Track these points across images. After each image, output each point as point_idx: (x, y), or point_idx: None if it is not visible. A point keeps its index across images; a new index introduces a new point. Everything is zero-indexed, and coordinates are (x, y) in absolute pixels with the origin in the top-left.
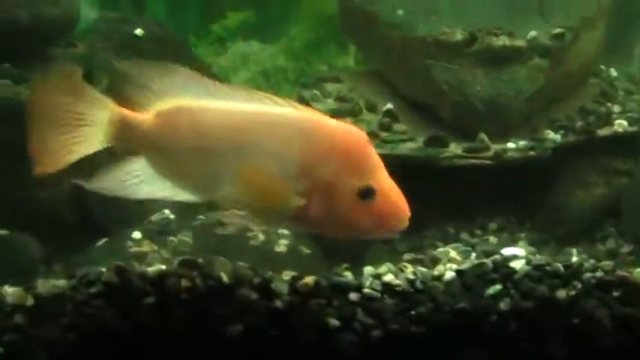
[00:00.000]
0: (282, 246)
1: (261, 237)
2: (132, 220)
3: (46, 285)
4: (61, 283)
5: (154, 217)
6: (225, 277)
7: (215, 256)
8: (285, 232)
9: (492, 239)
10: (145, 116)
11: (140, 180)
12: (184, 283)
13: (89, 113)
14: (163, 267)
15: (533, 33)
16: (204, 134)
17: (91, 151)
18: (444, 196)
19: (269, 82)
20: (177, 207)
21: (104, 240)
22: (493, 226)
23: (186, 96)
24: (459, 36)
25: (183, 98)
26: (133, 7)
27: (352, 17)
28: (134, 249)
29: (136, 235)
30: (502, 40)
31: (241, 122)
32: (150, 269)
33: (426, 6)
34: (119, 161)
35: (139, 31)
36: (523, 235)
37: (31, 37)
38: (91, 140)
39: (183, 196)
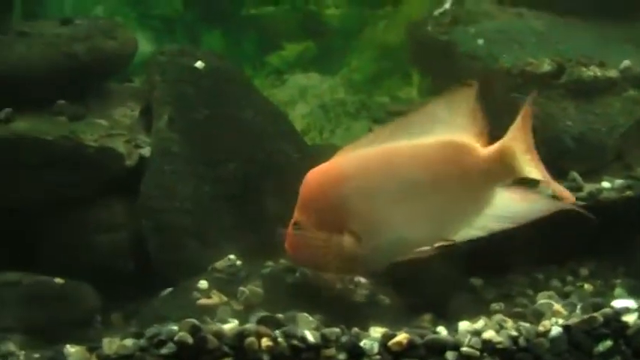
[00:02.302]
0: (360, 295)
1: (338, 285)
2: (194, 267)
3: (112, 345)
4: (129, 342)
5: (219, 264)
6: (309, 336)
7: (297, 312)
8: (362, 280)
9: (587, 286)
10: None
11: None
12: (265, 342)
13: None
14: (240, 324)
15: (626, 62)
16: None
17: None
18: (530, 239)
19: (328, 116)
20: (243, 252)
21: (168, 290)
22: (584, 271)
23: None
24: (546, 67)
25: None
26: (188, 39)
27: (424, 47)
28: (202, 301)
29: (202, 284)
30: (593, 71)
31: None
32: (226, 327)
33: (509, 35)
34: None
35: (199, 64)
36: (618, 281)
37: (88, 71)
38: None
39: None
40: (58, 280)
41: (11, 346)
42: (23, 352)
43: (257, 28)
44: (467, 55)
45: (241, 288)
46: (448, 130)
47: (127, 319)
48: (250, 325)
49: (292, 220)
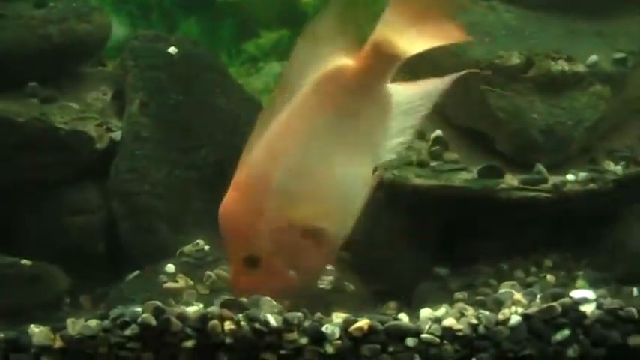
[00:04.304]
0: (325, 282)
1: None
2: (164, 251)
3: (76, 325)
4: (93, 323)
5: (187, 249)
6: (272, 320)
7: (260, 296)
8: (328, 267)
9: (549, 277)
10: None
11: None
12: (228, 325)
13: None
14: (204, 307)
15: (593, 57)
16: None
17: None
18: (496, 230)
19: None
20: (212, 238)
21: (135, 273)
22: (548, 262)
23: None
24: (515, 60)
25: None
26: (165, 25)
27: None
28: (168, 284)
29: (170, 268)
30: (561, 65)
31: None
32: (189, 309)
33: (481, 27)
34: None
35: (172, 50)
36: (580, 273)
37: (61, 54)
38: None
39: None
40: (26, 262)
41: None
42: None
43: (234, 15)
44: (440, 47)
45: (208, 272)
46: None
47: (95, 301)
48: (213, 308)
49: (237, 267)
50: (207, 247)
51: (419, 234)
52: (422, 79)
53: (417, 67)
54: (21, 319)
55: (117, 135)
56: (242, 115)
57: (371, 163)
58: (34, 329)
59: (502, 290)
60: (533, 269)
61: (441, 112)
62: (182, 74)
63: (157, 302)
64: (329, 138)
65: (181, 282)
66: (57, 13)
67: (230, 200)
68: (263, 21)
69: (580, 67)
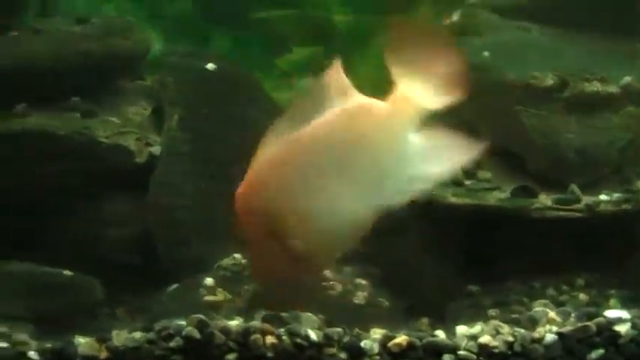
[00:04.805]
0: (360, 297)
1: (339, 287)
2: (200, 264)
3: (120, 337)
4: (138, 335)
5: (224, 262)
6: (313, 335)
7: (300, 311)
8: (363, 282)
9: (582, 296)
10: None
11: None
12: (270, 339)
13: None
14: (245, 321)
15: (627, 79)
16: None
17: None
18: (528, 249)
19: None
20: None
21: (174, 286)
22: (580, 282)
23: None
24: (549, 81)
25: None
26: (198, 40)
27: None
28: (208, 297)
29: (209, 281)
30: (594, 86)
31: None
32: (232, 323)
33: (514, 48)
34: None
35: (210, 66)
36: (613, 292)
37: (102, 70)
38: None
39: None
40: (67, 273)
41: (23, 336)
42: (35, 342)
43: (266, 31)
44: (473, 67)
45: (246, 286)
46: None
47: (131, 312)
48: (255, 323)
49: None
50: (244, 261)
51: (451, 251)
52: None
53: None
54: (60, 327)
55: (156, 149)
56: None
57: (374, 201)
58: (80, 340)
59: (536, 309)
60: (565, 288)
61: (473, 130)
62: (219, 90)
63: (201, 316)
64: (339, 163)
65: (220, 295)
66: (98, 30)
67: (245, 185)
68: (294, 37)
69: (613, 88)
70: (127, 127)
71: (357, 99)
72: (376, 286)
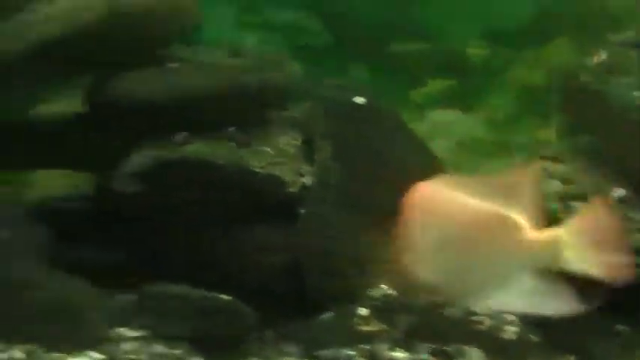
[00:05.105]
0: (510, 332)
1: (488, 322)
2: (349, 294)
3: None
4: None
5: (374, 293)
6: None
7: (464, 345)
8: (512, 317)
9: None
10: None
11: None
12: None
13: None
14: (410, 353)
15: None
16: None
17: None
18: None
19: (465, 153)
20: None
21: (329, 314)
22: None
23: None
24: None
25: None
26: (336, 71)
27: (575, 95)
28: (363, 327)
29: (363, 311)
30: None
31: None
32: (398, 355)
33: None
34: None
35: (360, 100)
36: None
37: (256, 101)
38: None
39: None
40: (224, 297)
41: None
42: None
43: (402, 63)
44: (621, 107)
45: (400, 317)
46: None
47: (280, 337)
48: (425, 356)
49: None
50: (391, 292)
51: (600, 291)
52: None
53: (598, 119)
54: (213, 348)
55: (307, 180)
56: (418, 163)
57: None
58: None
59: None
60: None
61: (619, 166)
62: (367, 122)
63: (369, 346)
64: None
65: (375, 326)
66: (253, 62)
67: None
68: (429, 70)
69: None
70: (280, 158)
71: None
72: (525, 322)
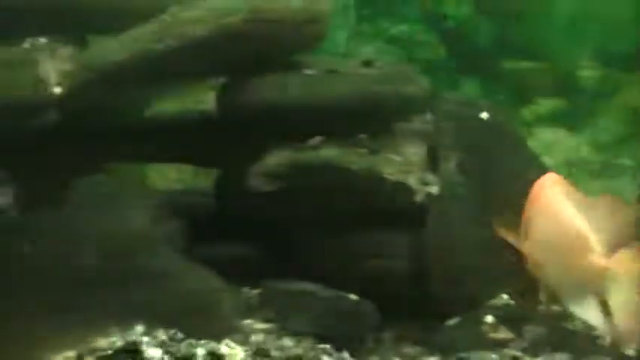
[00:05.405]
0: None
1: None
2: (470, 302)
3: None
4: None
5: (496, 302)
6: None
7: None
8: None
9: None
10: None
11: None
12: None
13: None
14: None
15: None
16: None
17: None
18: None
19: (571, 172)
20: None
21: (456, 320)
22: None
23: None
24: None
25: None
26: (448, 84)
27: None
28: (491, 335)
29: (489, 318)
30: None
31: None
32: None
33: None
34: None
35: (485, 115)
36: None
37: (390, 111)
38: None
39: None
40: (352, 297)
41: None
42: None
43: (513, 80)
44: None
45: (526, 326)
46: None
47: (398, 340)
48: None
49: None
50: (512, 301)
51: None
52: None
53: None
54: (339, 346)
55: (433, 189)
56: (535, 177)
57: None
58: None
59: None
60: None
61: None
62: (491, 137)
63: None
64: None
65: (503, 333)
66: (387, 74)
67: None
68: (539, 89)
69: None
70: (408, 166)
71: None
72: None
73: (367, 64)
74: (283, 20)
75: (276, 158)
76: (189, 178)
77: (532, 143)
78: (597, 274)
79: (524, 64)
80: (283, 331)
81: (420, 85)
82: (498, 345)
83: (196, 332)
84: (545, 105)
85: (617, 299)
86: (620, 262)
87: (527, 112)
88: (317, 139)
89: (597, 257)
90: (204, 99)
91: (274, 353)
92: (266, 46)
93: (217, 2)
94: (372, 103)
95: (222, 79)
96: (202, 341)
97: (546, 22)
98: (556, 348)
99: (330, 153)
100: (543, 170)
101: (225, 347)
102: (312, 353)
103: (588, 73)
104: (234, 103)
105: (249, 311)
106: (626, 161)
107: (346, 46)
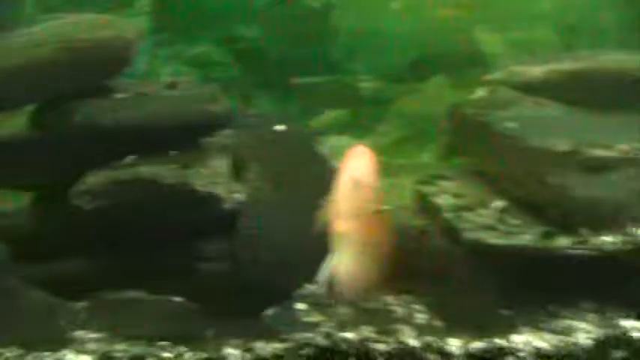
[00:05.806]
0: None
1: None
2: (280, 292)
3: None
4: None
5: (304, 292)
6: None
7: None
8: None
9: None
10: None
11: None
12: None
13: None
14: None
15: (624, 146)
16: None
17: None
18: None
19: None
20: None
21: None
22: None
23: None
24: (564, 147)
25: None
26: (242, 101)
27: (462, 126)
28: (305, 318)
29: (301, 306)
30: (600, 151)
31: None
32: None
33: (534, 119)
34: None
35: (280, 127)
36: None
37: (196, 129)
38: None
39: None
40: (178, 299)
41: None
42: None
43: (302, 94)
44: (501, 135)
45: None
46: None
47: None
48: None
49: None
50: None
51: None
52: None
53: (482, 146)
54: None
55: (240, 196)
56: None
57: None
58: None
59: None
60: None
61: (497, 184)
62: (285, 146)
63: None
64: None
65: (314, 317)
66: (193, 94)
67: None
68: (325, 101)
69: (615, 153)
70: (217, 177)
71: None
72: None
73: (172, 86)
74: (92, 48)
75: (95, 177)
76: (7, 199)
77: (322, 149)
78: (336, 238)
79: (311, 79)
80: (117, 337)
81: (222, 103)
82: (313, 326)
83: (36, 346)
84: (331, 115)
85: (340, 259)
86: (349, 227)
87: (316, 122)
88: (132, 157)
89: (338, 222)
90: (16, 123)
91: (118, 355)
92: (77, 72)
93: (28, 33)
94: (181, 122)
95: (35, 105)
96: (46, 353)
97: (329, 39)
98: (361, 324)
99: (144, 169)
100: (335, 172)
101: (71, 355)
102: (151, 350)
103: (367, 84)
104: (49, 127)
105: (83, 322)
106: (403, 161)
107: (146, 69)
